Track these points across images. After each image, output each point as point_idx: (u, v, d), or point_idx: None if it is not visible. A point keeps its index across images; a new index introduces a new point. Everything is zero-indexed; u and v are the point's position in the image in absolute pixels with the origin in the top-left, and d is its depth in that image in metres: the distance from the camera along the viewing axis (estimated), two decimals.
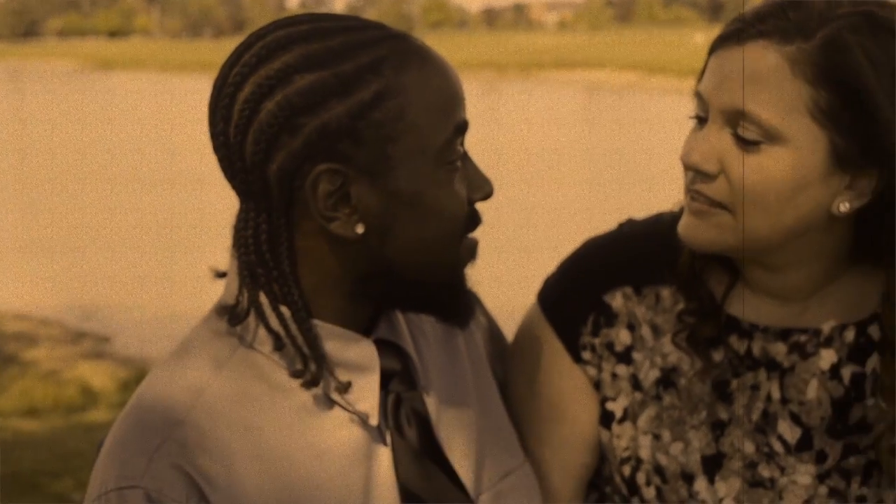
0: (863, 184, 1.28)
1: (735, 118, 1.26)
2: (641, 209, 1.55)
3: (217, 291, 1.27)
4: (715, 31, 1.34)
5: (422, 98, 1.15)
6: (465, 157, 1.21)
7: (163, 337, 8.96)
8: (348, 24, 1.17)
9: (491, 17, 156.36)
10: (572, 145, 22.95)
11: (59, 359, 9.16)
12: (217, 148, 1.16)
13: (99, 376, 8.51)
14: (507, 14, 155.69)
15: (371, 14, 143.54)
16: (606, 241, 1.46)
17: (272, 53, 1.14)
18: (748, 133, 1.25)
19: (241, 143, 1.14)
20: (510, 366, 1.48)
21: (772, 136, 1.24)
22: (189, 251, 11.82)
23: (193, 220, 14.14)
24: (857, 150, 1.25)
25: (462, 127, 1.19)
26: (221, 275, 1.25)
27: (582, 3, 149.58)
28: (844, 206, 1.28)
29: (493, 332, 1.50)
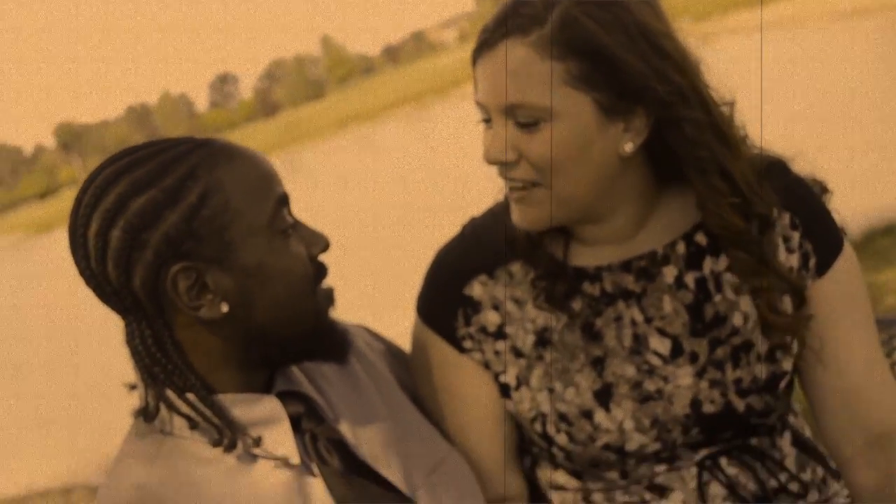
0: (636, 123, 1.47)
1: (511, 111, 1.46)
2: None
3: None
4: None
5: (239, 187, 1.35)
6: (295, 223, 1.41)
7: None
8: (160, 147, 1.36)
9: (393, 54, 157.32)
10: None
11: None
12: (87, 281, 1.35)
13: None
14: (408, 46, 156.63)
15: (280, 88, 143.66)
16: (454, 244, 1.66)
17: (105, 190, 1.33)
18: (525, 118, 1.44)
19: (103, 272, 1.32)
20: (413, 374, 1.67)
21: (544, 115, 1.44)
22: None
23: None
24: (618, 99, 1.44)
25: (282, 199, 1.39)
26: (133, 386, 1.43)
27: (473, 11, 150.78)
28: (629, 146, 1.48)
29: (393, 351, 1.69)
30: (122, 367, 1.42)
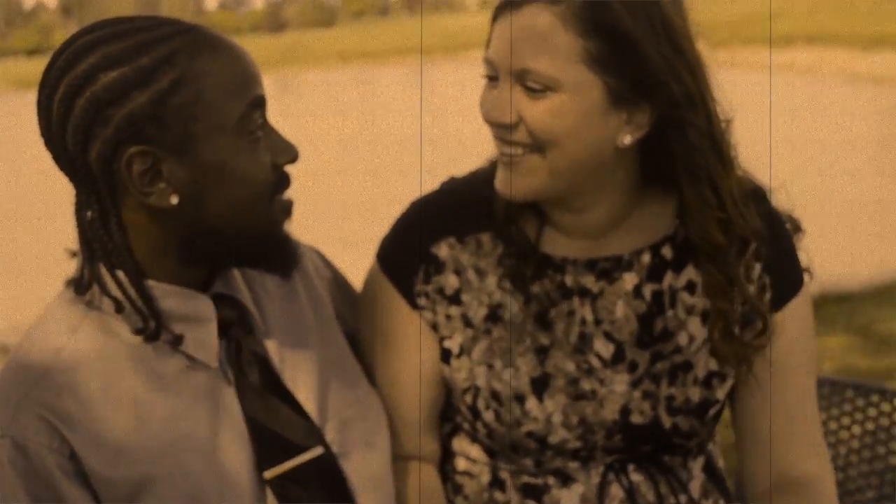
0: (640, 118, 1.45)
1: (521, 75, 1.42)
2: None
3: None
4: None
5: (215, 81, 1.30)
6: (264, 126, 1.36)
7: None
8: (144, 25, 1.31)
9: (412, 3, 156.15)
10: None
11: None
12: (46, 143, 1.32)
13: None
14: None
15: (292, 9, 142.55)
16: (430, 199, 1.62)
17: (78, 57, 1.29)
18: (533, 84, 1.42)
19: (62, 138, 1.29)
20: (359, 316, 1.64)
21: (553, 85, 1.41)
22: None
23: None
24: (629, 88, 1.42)
25: (257, 101, 1.34)
26: (74, 253, 1.40)
27: None
28: (627, 139, 1.46)
29: (339, 281, 1.66)
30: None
